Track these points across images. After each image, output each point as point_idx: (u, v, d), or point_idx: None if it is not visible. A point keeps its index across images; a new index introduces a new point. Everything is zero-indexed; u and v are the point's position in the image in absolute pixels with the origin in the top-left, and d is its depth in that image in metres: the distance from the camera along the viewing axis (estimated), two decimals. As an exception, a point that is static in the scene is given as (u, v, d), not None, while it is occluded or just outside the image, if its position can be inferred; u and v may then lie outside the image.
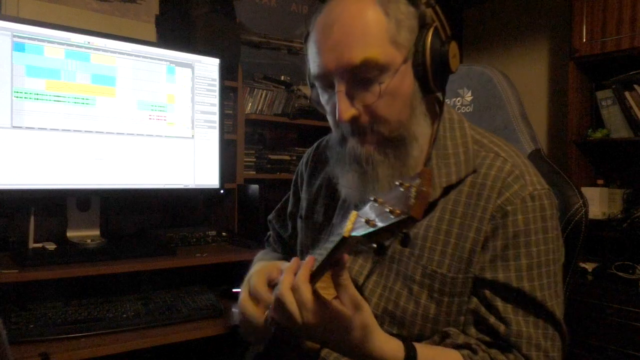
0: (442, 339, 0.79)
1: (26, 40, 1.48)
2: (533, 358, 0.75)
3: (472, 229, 0.78)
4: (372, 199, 0.55)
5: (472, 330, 0.78)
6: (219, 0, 2.17)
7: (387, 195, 0.53)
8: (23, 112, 1.48)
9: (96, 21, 2.03)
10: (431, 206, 0.80)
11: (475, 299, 0.79)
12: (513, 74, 3.14)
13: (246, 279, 0.83)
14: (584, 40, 2.48)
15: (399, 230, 0.52)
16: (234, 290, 1.59)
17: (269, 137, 2.83)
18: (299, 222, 1.04)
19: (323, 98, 0.83)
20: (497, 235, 0.77)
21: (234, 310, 1.49)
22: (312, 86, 0.86)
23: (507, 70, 3.21)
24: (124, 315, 1.33)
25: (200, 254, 1.68)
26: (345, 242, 0.59)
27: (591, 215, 2.43)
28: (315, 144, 1.08)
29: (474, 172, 0.80)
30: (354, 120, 0.76)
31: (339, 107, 0.75)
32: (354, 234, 0.57)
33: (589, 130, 2.61)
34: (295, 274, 0.67)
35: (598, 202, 2.50)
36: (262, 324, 0.76)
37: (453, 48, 0.78)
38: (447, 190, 0.80)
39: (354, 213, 0.59)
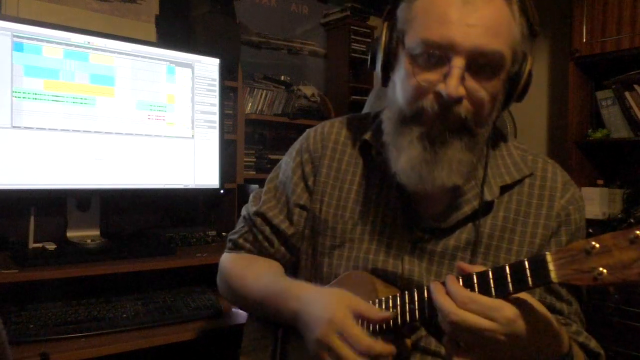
0: None
1: (25, 40, 1.48)
2: (583, 327, 0.85)
3: (540, 226, 0.83)
4: (589, 245, 0.55)
5: None
6: (219, 0, 2.17)
7: (608, 243, 0.54)
8: (22, 112, 1.47)
9: (96, 21, 2.03)
10: (490, 207, 0.83)
11: (538, 289, 0.82)
12: (513, 74, 3.14)
13: (325, 326, 0.73)
14: (584, 40, 2.48)
15: None
16: (234, 290, 1.58)
17: (269, 137, 2.84)
18: (318, 217, 0.92)
19: (416, 64, 0.75)
20: (561, 232, 0.84)
21: (234, 310, 1.49)
22: (389, 46, 0.80)
23: (507, 70, 3.21)
24: (124, 315, 1.33)
25: (200, 254, 1.68)
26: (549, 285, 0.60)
27: (591, 215, 2.45)
28: (323, 129, 0.97)
29: (531, 175, 0.86)
30: (456, 101, 0.73)
31: (452, 81, 0.71)
32: (568, 278, 0.57)
33: (589, 130, 2.61)
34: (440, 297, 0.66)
35: (598, 202, 2.50)
36: None
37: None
38: (502, 191, 0.84)
39: (549, 255, 0.59)
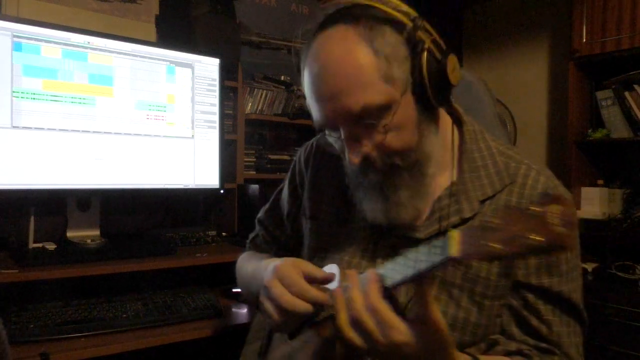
0: (490, 347, 0.80)
1: (23, 40, 1.48)
2: (572, 355, 0.80)
3: None
4: (489, 221, 0.55)
5: (515, 331, 0.81)
6: (219, 0, 2.17)
7: (503, 218, 0.54)
8: (21, 112, 1.48)
9: (96, 21, 2.02)
10: (469, 220, 0.82)
11: (515, 302, 0.81)
12: (513, 74, 3.14)
13: (270, 275, 0.78)
14: (584, 40, 2.48)
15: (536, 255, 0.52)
16: (234, 290, 1.59)
17: (269, 137, 2.83)
18: (305, 223, 0.99)
19: (330, 139, 0.81)
20: None
21: (234, 310, 1.49)
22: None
23: (507, 70, 3.21)
24: (124, 315, 1.33)
25: (200, 254, 1.68)
26: (452, 262, 0.59)
27: (591, 216, 2.45)
28: (315, 140, 1.04)
29: (511, 183, 0.83)
30: (366, 159, 0.76)
31: (348, 153, 0.75)
32: (467, 253, 0.56)
33: (589, 130, 2.61)
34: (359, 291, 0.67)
35: (598, 202, 2.50)
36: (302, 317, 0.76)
37: (451, 62, 0.76)
38: (482, 203, 0.83)
39: (455, 232, 0.59)
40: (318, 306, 0.75)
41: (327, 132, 0.80)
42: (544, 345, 0.79)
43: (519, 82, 3.09)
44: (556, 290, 0.80)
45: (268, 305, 0.77)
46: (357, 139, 0.75)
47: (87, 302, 1.38)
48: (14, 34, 1.46)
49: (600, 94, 2.58)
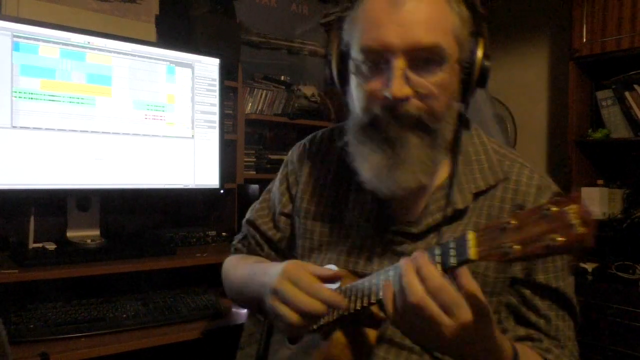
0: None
1: (22, 40, 1.48)
2: (569, 347, 0.82)
3: None
4: (506, 222, 0.55)
5: (513, 326, 0.82)
6: (219, 0, 2.17)
7: (521, 218, 0.53)
8: (19, 111, 1.48)
9: (96, 21, 2.02)
10: (463, 212, 0.82)
11: (513, 299, 0.82)
12: (513, 74, 3.14)
13: (279, 276, 0.75)
14: (584, 40, 2.48)
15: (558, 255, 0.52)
16: (234, 290, 1.59)
17: (269, 137, 2.83)
18: (298, 223, 0.98)
19: (362, 73, 0.78)
20: None
21: (234, 310, 1.49)
22: (341, 58, 0.83)
23: (507, 70, 3.21)
24: (124, 315, 1.33)
25: (200, 254, 1.68)
26: (470, 263, 0.58)
27: (591, 215, 2.44)
28: (307, 141, 1.04)
29: (505, 179, 0.83)
30: (403, 100, 0.74)
31: (395, 82, 0.72)
32: (485, 255, 0.56)
33: (589, 130, 2.61)
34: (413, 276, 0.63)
35: (598, 202, 2.50)
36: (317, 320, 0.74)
37: (489, 65, 0.80)
38: (475, 197, 0.83)
39: (472, 234, 0.59)
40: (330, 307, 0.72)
41: (362, 60, 0.76)
42: (543, 336, 0.81)
43: (519, 82, 3.09)
44: (553, 287, 0.81)
45: (283, 308, 0.73)
46: (406, 77, 0.73)
47: (87, 302, 1.38)
48: (14, 33, 1.46)
49: (600, 94, 2.58)
